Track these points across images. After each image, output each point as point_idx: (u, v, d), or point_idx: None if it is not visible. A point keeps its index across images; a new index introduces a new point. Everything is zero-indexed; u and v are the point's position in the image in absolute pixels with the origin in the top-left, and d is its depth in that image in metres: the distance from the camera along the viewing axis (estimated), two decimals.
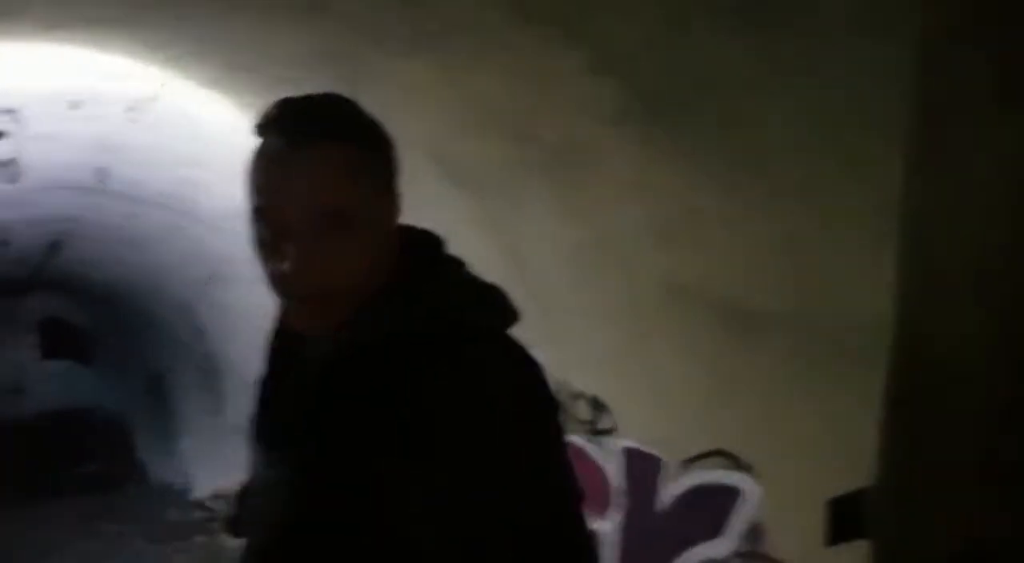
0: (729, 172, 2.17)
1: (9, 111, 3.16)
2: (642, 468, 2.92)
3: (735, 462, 2.62)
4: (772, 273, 2.25)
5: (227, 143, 4.11)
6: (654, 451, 2.89)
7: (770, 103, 1.89)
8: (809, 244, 2.10)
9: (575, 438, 3.18)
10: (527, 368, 1.11)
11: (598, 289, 2.83)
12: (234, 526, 1.77)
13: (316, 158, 1.08)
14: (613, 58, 2.11)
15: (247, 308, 6.44)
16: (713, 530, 2.71)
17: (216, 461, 7.98)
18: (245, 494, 1.60)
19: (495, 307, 1.18)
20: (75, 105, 3.47)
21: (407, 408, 1.04)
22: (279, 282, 1.10)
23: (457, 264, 1.21)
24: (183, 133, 4.03)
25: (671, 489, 2.86)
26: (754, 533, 2.59)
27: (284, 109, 1.11)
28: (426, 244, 1.21)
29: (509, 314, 1.18)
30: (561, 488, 1.09)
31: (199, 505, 8.44)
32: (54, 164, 4.34)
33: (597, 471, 3.08)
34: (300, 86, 3.18)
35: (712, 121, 2.09)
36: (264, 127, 1.11)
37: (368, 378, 1.09)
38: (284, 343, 1.25)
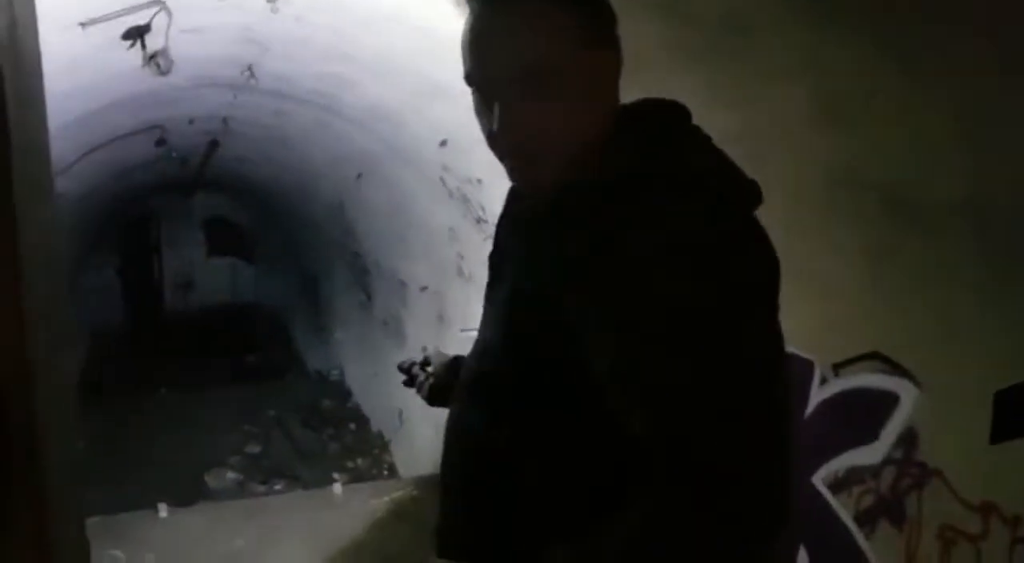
0: (911, 48, 1.94)
1: (157, 2, 3.20)
2: (790, 371, 2.78)
3: (893, 366, 2.45)
4: (953, 160, 2.03)
5: (370, 38, 4.06)
6: (805, 354, 2.74)
7: None
8: (1000, 128, 1.86)
9: None
10: (747, 228, 1.08)
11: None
12: (435, 393, 1.89)
13: (514, 18, 1.10)
14: None
15: (393, 207, 6.53)
16: (865, 437, 2.56)
17: (365, 353, 8.28)
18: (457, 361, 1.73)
19: (732, 180, 1.13)
20: None
21: (604, 244, 1.03)
22: (490, 143, 1.17)
23: (699, 134, 1.20)
24: (325, 26, 4.00)
25: (821, 393, 2.72)
26: (908, 440, 2.43)
27: None
28: (663, 111, 1.21)
29: (750, 194, 1.14)
30: (752, 361, 1.01)
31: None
32: (204, 59, 4.42)
33: None
34: None
35: None
36: None
37: (576, 214, 1.10)
38: (509, 214, 1.34)
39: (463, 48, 1.15)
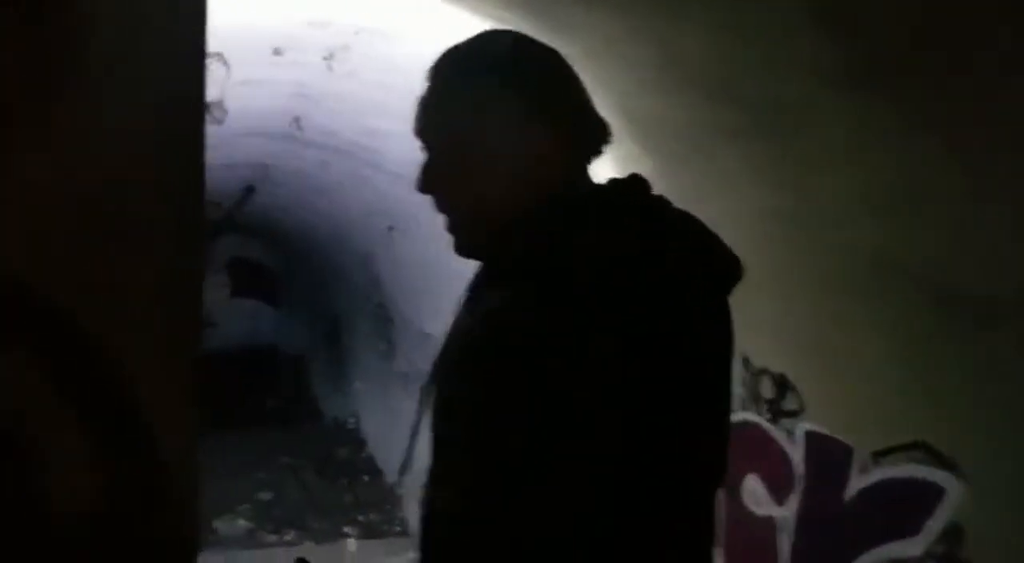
0: (964, 143, 1.94)
1: (217, 54, 3.27)
2: (829, 455, 2.74)
3: (935, 457, 2.41)
4: (1002, 256, 2.02)
5: (415, 94, 4.13)
6: (844, 438, 2.71)
7: (1021, 66, 1.66)
8: None
9: (756, 417, 3.03)
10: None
11: (794, 262, 2.65)
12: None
13: (453, 89, 1.18)
14: (834, 11, 1.92)
15: (422, 261, 6.55)
16: (905, 529, 2.51)
17: (384, 405, 8.23)
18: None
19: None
20: (278, 51, 3.55)
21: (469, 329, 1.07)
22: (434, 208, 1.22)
23: (643, 211, 1.18)
24: (373, 83, 4.07)
25: (860, 480, 2.68)
26: (952, 536, 2.38)
27: (441, 53, 1.22)
28: (606, 189, 1.21)
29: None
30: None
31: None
32: (254, 110, 4.49)
33: (779, 454, 2.93)
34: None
35: (950, 85, 1.86)
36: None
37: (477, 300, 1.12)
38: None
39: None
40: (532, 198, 1.15)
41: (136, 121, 0.73)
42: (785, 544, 2.88)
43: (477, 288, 1.15)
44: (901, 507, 2.52)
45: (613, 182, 1.22)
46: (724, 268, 1.22)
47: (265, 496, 7.80)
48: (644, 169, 2.82)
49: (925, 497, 2.41)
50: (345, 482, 8.20)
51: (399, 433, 7.64)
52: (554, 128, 1.17)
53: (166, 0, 0.75)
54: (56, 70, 0.70)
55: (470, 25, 3.09)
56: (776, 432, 2.93)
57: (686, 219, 1.22)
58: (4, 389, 0.70)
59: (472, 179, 1.17)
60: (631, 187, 1.21)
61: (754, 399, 3.02)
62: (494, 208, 1.16)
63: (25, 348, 0.71)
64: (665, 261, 1.12)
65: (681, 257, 1.15)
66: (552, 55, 1.21)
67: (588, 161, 1.23)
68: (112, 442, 0.74)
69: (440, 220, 1.24)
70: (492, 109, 1.15)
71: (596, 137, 1.23)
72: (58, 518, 0.72)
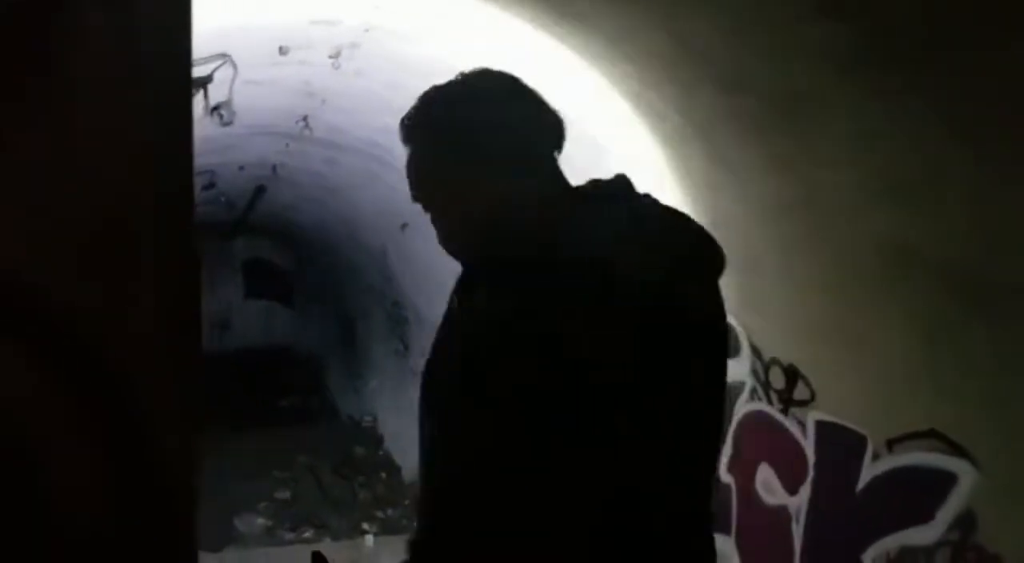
0: (979, 130, 1.93)
1: (223, 55, 3.28)
2: (841, 444, 2.74)
3: (949, 445, 2.40)
4: (1017, 242, 2.01)
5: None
6: (856, 427, 2.70)
7: None
8: None
9: (768, 408, 3.03)
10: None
11: (807, 251, 2.65)
12: None
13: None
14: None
15: (435, 258, 6.56)
16: (918, 516, 2.51)
17: (400, 403, 8.25)
18: None
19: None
20: (284, 51, 3.56)
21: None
22: None
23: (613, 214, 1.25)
24: (384, 81, 4.07)
25: (873, 469, 2.67)
26: (966, 522, 2.37)
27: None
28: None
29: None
30: None
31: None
32: (261, 110, 4.50)
33: (791, 444, 2.92)
34: (519, 33, 3.03)
35: (965, 71, 1.85)
36: None
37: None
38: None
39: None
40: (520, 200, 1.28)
41: (131, 135, 0.74)
42: (798, 533, 2.88)
43: (468, 288, 1.28)
44: (914, 495, 2.51)
45: (594, 183, 1.33)
46: (710, 258, 1.26)
47: (283, 495, 7.83)
48: (657, 160, 2.83)
49: (938, 485, 2.40)
50: (362, 480, 8.23)
51: (416, 430, 7.66)
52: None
53: (153, 15, 0.77)
54: (45, 89, 0.73)
55: (484, 20, 3.09)
56: (788, 422, 2.92)
57: (674, 214, 1.29)
58: (6, 393, 0.72)
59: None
60: (615, 186, 1.30)
61: (765, 389, 3.02)
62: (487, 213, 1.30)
63: (27, 352, 0.73)
64: (650, 256, 1.18)
65: (666, 251, 1.20)
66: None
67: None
68: (111, 444, 0.76)
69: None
70: (442, 161, 1.36)
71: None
72: (59, 518, 0.74)
